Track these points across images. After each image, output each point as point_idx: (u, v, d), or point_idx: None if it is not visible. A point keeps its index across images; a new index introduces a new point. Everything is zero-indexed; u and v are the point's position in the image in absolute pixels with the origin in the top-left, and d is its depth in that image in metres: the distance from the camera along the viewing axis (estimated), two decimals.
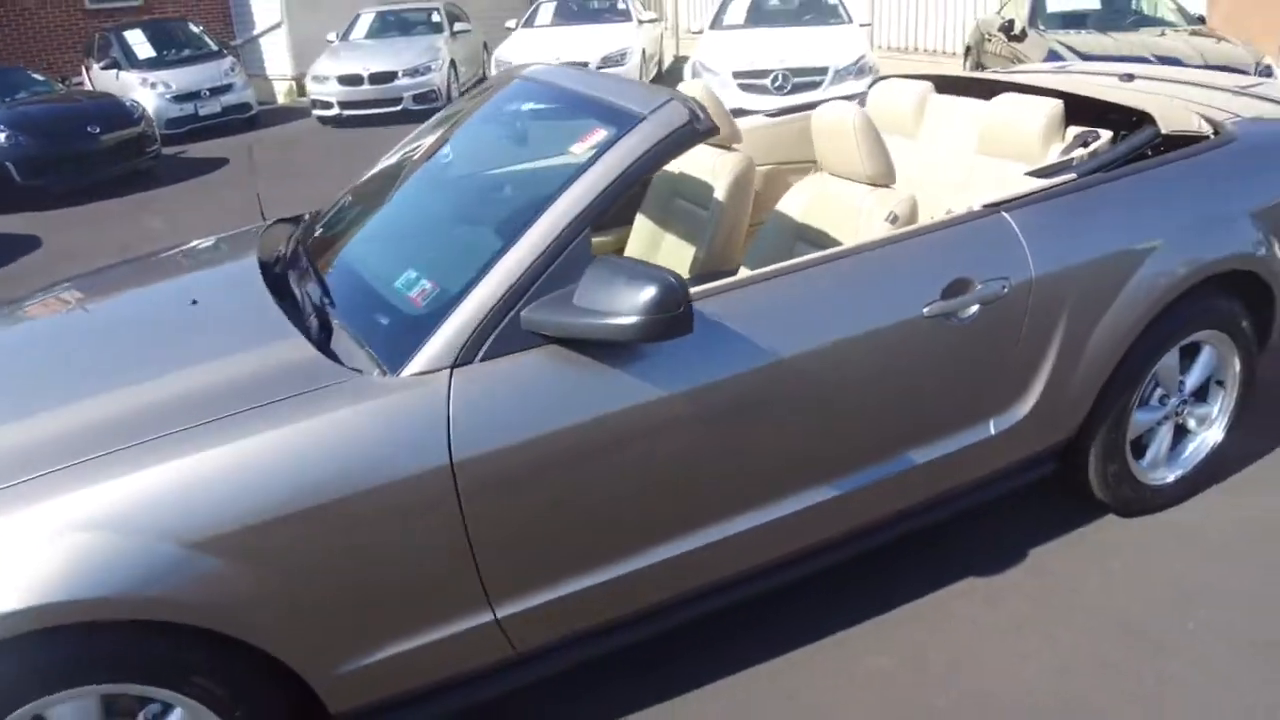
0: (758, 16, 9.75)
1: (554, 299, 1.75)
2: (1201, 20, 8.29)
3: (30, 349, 2.26)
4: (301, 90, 14.40)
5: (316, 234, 2.50)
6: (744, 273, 2.31)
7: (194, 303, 2.18)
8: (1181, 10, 8.31)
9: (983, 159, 2.87)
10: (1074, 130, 2.78)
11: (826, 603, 2.45)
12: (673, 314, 1.64)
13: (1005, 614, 2.41)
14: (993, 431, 2.33)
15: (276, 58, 14.45)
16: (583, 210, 1.82)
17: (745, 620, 2.38)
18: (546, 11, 12.25)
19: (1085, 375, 2.39)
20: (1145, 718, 2.06)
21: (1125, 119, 2.77)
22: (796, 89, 8.25)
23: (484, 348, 1.74)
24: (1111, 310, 2.37)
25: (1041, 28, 8.22)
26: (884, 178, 2.44)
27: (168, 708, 1.69)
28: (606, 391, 1.79)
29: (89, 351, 2.09)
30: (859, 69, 8.38)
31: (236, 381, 1.75)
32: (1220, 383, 2.76)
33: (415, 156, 2.70)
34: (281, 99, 14.43)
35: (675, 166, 3.08)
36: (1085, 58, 6.97)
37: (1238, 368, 2.74)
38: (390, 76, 11.12)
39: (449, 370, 1.72)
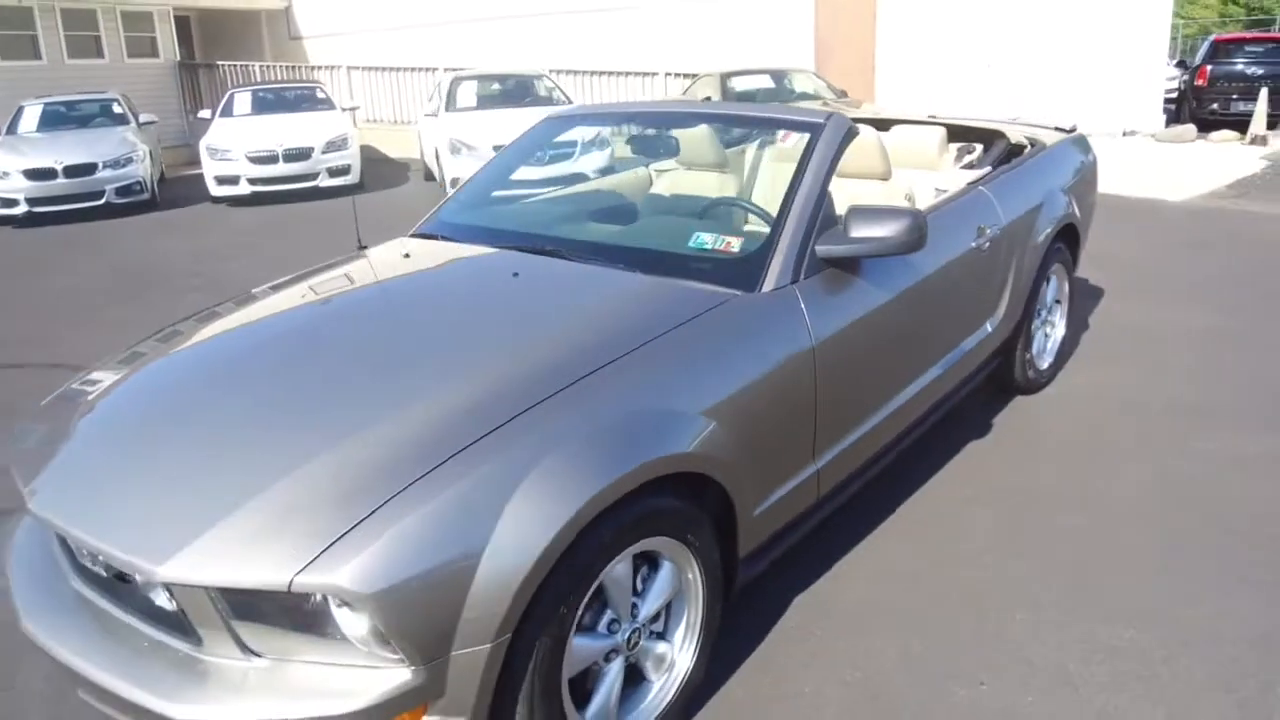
0: (486, 100, 10.71)
1: (831, 234, 2.59)
2: (844, 93, 10.74)
3: (425, 310, 2.59)
4: None
5: (533, 230, 3.08)
6: None
7: (515, 275, 2.65)
8: (830, 86, 10.72)
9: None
10: (954, 145, 4.14)
11: (912, 468, 3.45)
12: (921, 232, 2.56)
13: (1004, 449, 3.59)
14: (989, 329, 3.51)
15: None
16: (823, 179, 2.69)
17: (875, 488, 3.30)
18: (243, 101, 12.15)
19: (1021, 290, 3.68)
20: (1098, 475, 3.32)
21: (980, 137, 4.18)
22: (553, 160, 9.28)
23: (802, 270, 2.53)
24: (1029, 247, 3.69)
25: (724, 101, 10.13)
26: (888, 174, 3.56)
27: (653, 569, 2.14)
28: (868, 294, 2.67)
29: (497, 309, 2.50)
30: (603, 143, 9.67)
31: (654, 310, 2.33)
32: (1059, 301, 4.24)
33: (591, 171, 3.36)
34: None
35: (667, 189, 3.95)
36: None
37: (1068, 289, 4.23)
38: (90, 169, 10.36)
39: (791, 286, 2.49)
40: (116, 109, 11.98)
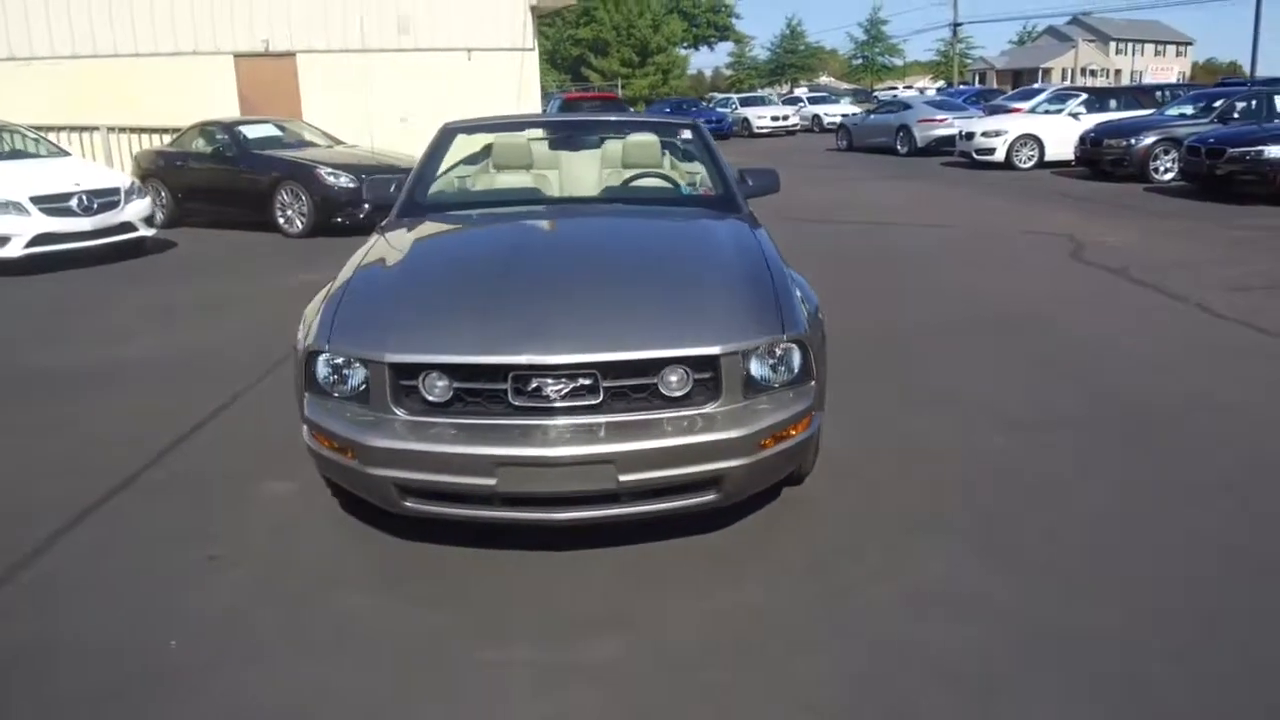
0: None
1: (742, 185, 4.57)
2: (339, 140, 11.97)
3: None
4: None
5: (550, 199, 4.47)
6: None
7: (610, 216, 4.10)
8: (326, 134, 11.89)
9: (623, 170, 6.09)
10: None
11: None
12: (778, 181, 4.72)
13: None
14: None
15: None
16: (719, 151, 4.69)
17: None
18: None
19: None
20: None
21: None
22: (102, 208, 8.94)
23: (745, 201, 4.48)
24: None
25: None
26: (659, 164, 5.62)
27: None
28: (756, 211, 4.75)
29: (640, 232, 4.02)
30: (141, 191, 9.54)
31: (719, 221, 4.02)
32: None
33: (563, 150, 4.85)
34: None
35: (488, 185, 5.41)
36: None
37: None
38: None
39: (746, 210, 4.40)
40: None
